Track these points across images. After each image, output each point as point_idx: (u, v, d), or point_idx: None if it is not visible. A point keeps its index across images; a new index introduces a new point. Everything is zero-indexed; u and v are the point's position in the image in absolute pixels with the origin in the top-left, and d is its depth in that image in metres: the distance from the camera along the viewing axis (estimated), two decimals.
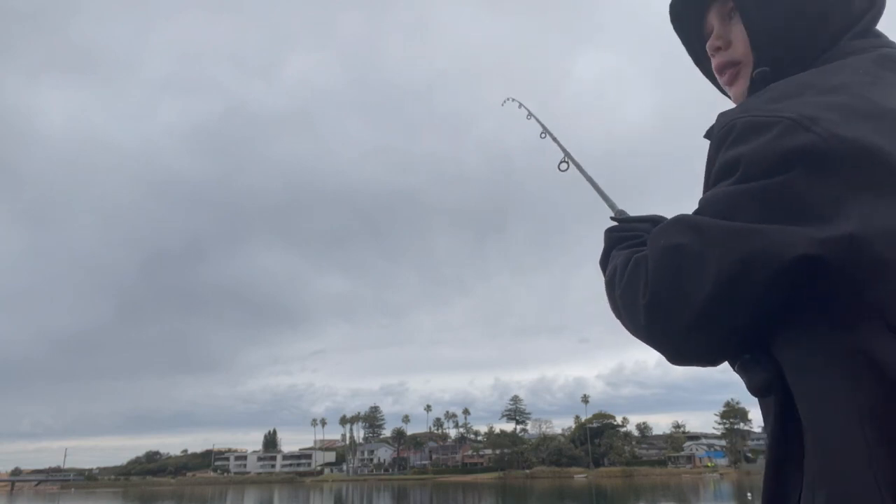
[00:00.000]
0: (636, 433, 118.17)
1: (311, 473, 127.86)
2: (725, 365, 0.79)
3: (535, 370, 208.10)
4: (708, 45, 0.98)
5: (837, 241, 0.61)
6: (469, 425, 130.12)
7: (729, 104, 0.92)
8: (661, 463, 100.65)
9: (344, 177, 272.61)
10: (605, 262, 0.93)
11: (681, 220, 0.75)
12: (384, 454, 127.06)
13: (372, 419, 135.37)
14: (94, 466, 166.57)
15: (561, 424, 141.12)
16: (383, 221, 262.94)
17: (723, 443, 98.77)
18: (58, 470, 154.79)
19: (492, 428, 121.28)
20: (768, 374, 0.71)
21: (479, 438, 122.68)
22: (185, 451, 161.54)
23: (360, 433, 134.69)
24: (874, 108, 0.69)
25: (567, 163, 1.44)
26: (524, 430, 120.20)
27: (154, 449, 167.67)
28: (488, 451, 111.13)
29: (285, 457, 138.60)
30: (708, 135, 0.82)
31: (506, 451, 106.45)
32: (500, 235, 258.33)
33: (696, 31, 1.04)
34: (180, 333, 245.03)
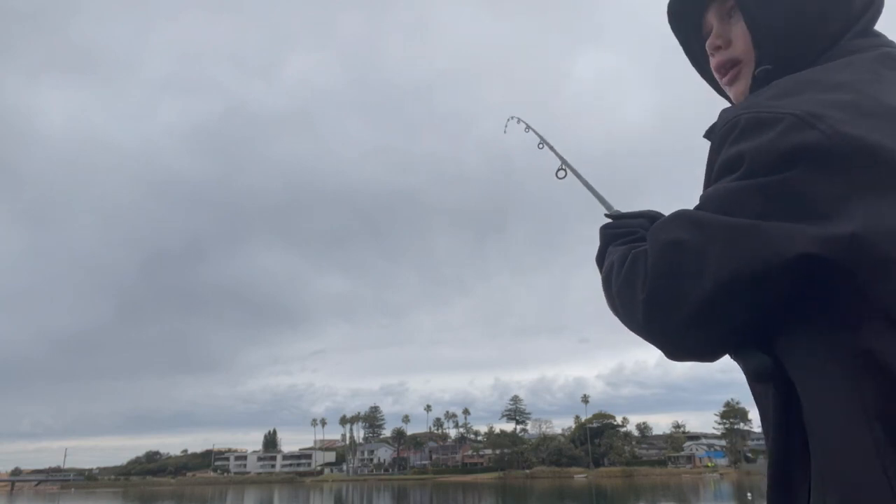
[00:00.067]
0: (636, 433, 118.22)
1: (311, 473, 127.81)
2: (726, 365, 0.77)
3: (535, 370, 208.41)
4: (707, 43, 0.98)
5: (839, 240, 0.61)
6: (469, 425, 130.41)
7: (727, 104, 0.91)
8: (661, 463, 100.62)
9: (344, 177, 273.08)
10: (601, 259, 0.93)
11: (682, 215, 0.74)
12: (384, 454, 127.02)
13: (372, 419, 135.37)
14: (94, 466, 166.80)
15: (561, 424, 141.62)
16: (383, 221, 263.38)
17: (723, 443, 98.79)
18: (58, 470, 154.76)
19: (492, 428, 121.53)
20: (767, 358, 0.71)
21: (479, 438, 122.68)
22: (185, 451, 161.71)
23: (360, 433, 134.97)
24: (878, 106, 0.68)
25: (564, 170, 1.45)
26: (524, 430, 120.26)
27: (154, 449, 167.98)
28: (488, 451, 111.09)
29: (285, 457, 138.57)
30: (708, 134, 0.82)
31: (506, 451, 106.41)
32: (500, 235, 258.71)
33: (695, 31, 1.03)
34: (180, 333, 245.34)
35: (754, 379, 0.74)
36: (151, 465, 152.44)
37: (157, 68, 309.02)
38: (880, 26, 0.87)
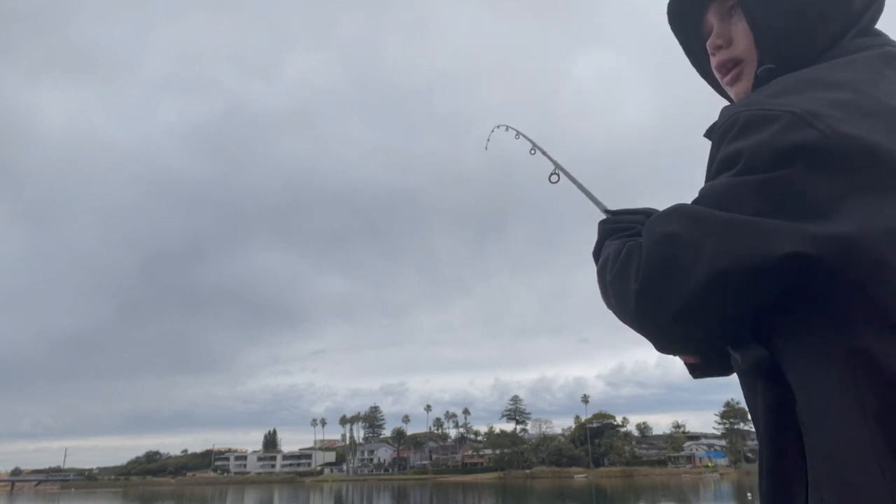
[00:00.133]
0: (636, 433, 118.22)
1: (311, 473, 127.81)
2: None
3: (535, 370, 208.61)
4: (708, 43, 0.98)
5: (834, 239, 0.61)
6: (469, 425, 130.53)
7: (727, 104, 0.90)
8: (661, 463, 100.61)
9: (344, 177, 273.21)
10: (598, 253, 0.93)
11: (679, 209, 0.75)
12: (384, 454, 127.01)
13: (372, 419, 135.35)
14: (94, 466, 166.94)
15: (561, 424, 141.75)
16: (383, 221, 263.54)
17: (723, 443, 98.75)
18: (58, 470, 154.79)
19: (492, 428, 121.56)
20: (764, 350, 0.70)
21: (479, 438, 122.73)
22: (185, 451, 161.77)
23: (360, 433, 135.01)
24: (878, 105, 0.68)
25: (558, 174, 1.44)
26: (524, 430, 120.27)
27: (154, 449, 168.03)
28: (488, 451, 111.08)
29: (285, 457, 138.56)
30: (708, 134, 0.82)
31: (506, 451, 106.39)
32: (500, 235, 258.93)
33: (695, 31, 1.03)
34: (180, 333, 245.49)
35: (750, 371, 0.73)
36: (151, 466, 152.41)
37: (157, 68, 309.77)
38: (881, 26, 0.87)
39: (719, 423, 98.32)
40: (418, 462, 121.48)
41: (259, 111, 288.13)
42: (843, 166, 0.64)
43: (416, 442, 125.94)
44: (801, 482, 0.67)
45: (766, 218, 0.66)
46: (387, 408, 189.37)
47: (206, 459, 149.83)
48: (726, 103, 0.94)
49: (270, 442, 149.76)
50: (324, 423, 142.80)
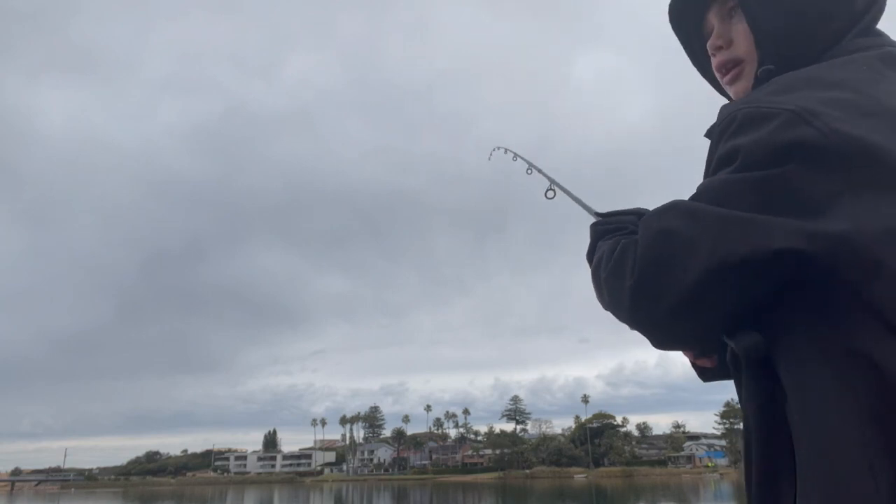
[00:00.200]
0: (636, 433, 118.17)
1: (311, 473, 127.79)
2: None
3: (535, 370, 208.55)
4: (709, 43, 0.98)
5: (830, 238, 0.61)
6: (469, 425, 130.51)
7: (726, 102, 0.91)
8: (661, 463, 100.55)
9: (344, 177, 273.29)
10: (591, 255, 0.93)
11: (676, 205, 0.75)
12: (384, 454, 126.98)
13: (372, 419, 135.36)
14: (94, 466, 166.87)
15: (561, 424, 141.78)
16: (383, 221, 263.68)
17: (723, 443, 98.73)
18: (58, 470, 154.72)
19: (492, 428, 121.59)
20: (759, 337, 0.70)
21: (479, 438, 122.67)
22: (185, 451, 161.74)
23: (360, 433, 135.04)
24: (877, 105, 0.68)
25: (553, 190, 1.44)
26: (524, 430, 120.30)
27: (154, 449, 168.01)
28: (488, 451, 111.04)
29: (285, 457, 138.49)
30: (708, 134, 0.82)
31: (506, 451, 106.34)
32: (500, 235, 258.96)
33: (696, 31, 1.04)
34: (180, 333, 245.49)
35: (745, 355, 0.71)
36: (151, 465, 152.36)
37: (157, 68, 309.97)
38: (882, 26, 0.87)
39: (719, 423, 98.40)
40: (418, 462, 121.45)
41: (259, 111, 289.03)
42: (841, 165, 0.64)
43: (416, 442, 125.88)
44: (789, 480, 0.67)
45: (763, 214, 0.66)
46: (387, 408, 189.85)
47: (206, 459, 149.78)
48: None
49: (270, 442, 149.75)
50: (324, 423, 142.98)
